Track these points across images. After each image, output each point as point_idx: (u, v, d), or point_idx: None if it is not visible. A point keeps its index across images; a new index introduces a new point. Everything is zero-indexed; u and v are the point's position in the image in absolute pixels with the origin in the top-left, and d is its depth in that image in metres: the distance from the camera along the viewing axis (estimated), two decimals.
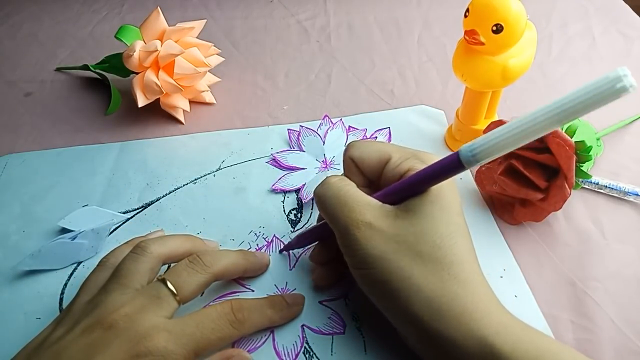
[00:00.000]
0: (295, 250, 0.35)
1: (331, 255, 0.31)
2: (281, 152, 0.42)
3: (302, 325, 0.31)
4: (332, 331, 0.31)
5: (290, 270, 0.34)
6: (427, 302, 0.24)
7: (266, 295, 0.31)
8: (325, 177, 0.29)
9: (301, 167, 0.41)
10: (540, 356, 0.22)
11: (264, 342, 0.30)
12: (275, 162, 0.41)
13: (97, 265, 0.30)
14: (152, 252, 0.29)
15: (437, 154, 0.40)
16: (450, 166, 0.24)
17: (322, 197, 0.28)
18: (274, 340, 0.30)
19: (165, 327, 0.25)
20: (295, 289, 0.33)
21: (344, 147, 0.31)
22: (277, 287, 0.33)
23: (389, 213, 0.26)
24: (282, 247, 0.35)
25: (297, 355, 0.29)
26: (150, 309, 0.26)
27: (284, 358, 0.29)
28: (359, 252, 0.26)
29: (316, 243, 0.33)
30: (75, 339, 0.24)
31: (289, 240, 0.35)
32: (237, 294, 0.32)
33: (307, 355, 0.29)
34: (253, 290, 0.32)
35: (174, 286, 0.27)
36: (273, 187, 0.39)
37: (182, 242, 0.31)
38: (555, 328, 0.31)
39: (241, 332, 0.28)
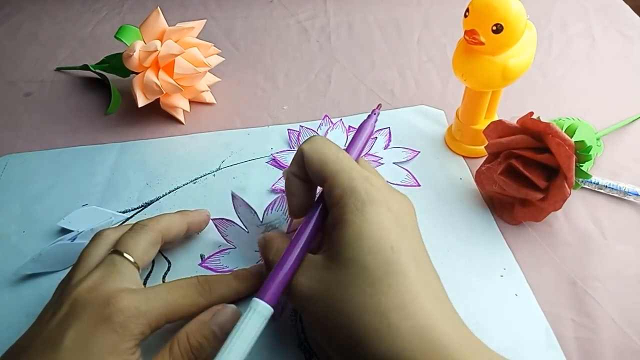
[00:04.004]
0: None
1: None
2: (281, 152, 0.42)
3: None
4: None
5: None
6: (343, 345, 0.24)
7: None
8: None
9: None
10: None
11: None
12: (275, 162, 0.41)
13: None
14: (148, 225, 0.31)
15: (436, 157, 0.41)
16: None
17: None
18: None
19: (132, 290, 0.26)
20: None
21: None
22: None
23: (317, 263, 0.25)
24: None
25: None
26: (111, 278, 0.26)
27: None
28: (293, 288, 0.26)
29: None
30: (49, 321, 0.25)
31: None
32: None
33: (306, 355, 0.29)
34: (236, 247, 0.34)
35: (124, 251, 0.28)
36: (273, 187, 0.39)
37: (179, 219, 0.33)
38: (556, 327, 0.31)
39: (208, 301, 0.28)
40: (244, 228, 0.35)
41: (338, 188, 0.25)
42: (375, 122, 0.33)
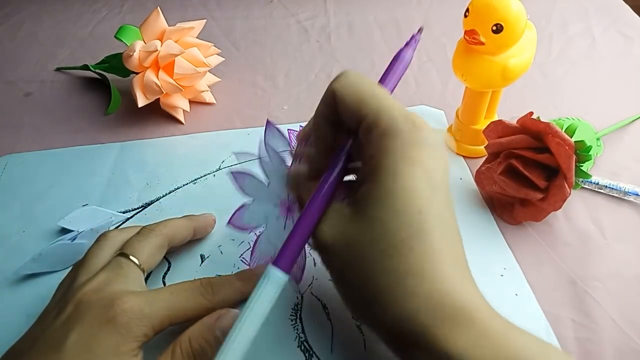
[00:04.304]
0: None
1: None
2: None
3: None
4: None
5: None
6: (360, 303, 0.24)
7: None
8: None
9: None
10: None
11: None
12: None
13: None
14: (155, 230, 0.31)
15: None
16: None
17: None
18: None
19: (136, 292, 0.26)
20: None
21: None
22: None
23: (343, 213, 0.24)
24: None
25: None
26: (116, 280, 0.26)
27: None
28: (316, 234, 0.25)
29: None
30: (52, 322, 0.25)
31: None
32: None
33: (306, 355, 0.30)
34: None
35: (131, 254, 0.28)
36: None
37: (185, 224, 0.33)
38: (556, 326, 0.31)
39: (212, 304, 0.28)
40: (264, 181, 0.32)
41: (379, 126, 0.23)
42: (414, 50, 0.28)
